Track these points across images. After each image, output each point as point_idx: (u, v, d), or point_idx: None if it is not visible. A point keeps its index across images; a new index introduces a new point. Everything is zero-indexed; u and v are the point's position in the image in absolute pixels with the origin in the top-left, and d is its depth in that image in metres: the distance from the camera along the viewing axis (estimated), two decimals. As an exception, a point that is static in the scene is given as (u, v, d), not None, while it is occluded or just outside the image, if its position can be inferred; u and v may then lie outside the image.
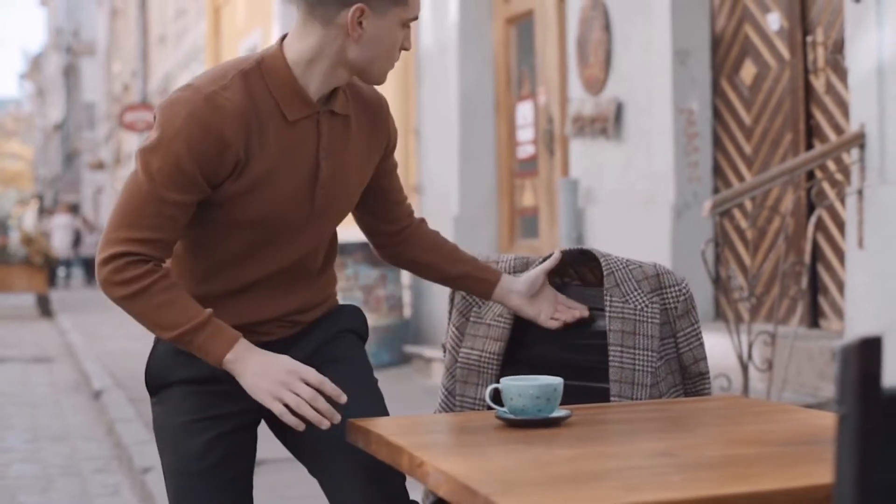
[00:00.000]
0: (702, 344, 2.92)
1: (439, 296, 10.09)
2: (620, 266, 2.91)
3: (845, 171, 6.13)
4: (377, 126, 2.81)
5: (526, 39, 9.93)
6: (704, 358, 2.93)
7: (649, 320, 2.86)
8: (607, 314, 2.87)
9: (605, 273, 2.90)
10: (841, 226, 6.32)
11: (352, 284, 10.10)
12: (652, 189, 7.55)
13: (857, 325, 5.83)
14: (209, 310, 2.57)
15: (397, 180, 2.94)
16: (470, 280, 2.92)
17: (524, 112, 9.83)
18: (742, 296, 6.21)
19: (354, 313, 2.90)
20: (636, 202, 7.72)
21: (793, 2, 6.84)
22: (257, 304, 2.71)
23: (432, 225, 9.05)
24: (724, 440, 2.25)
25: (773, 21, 7.01)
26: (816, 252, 6.56)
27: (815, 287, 6.65)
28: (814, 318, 6.68)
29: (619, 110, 7.86)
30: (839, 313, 6.40)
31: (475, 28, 10.26)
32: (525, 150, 9.81)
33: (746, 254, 7.09)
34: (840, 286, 6.38)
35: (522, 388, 2.28)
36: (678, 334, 2.90)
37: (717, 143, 7.49)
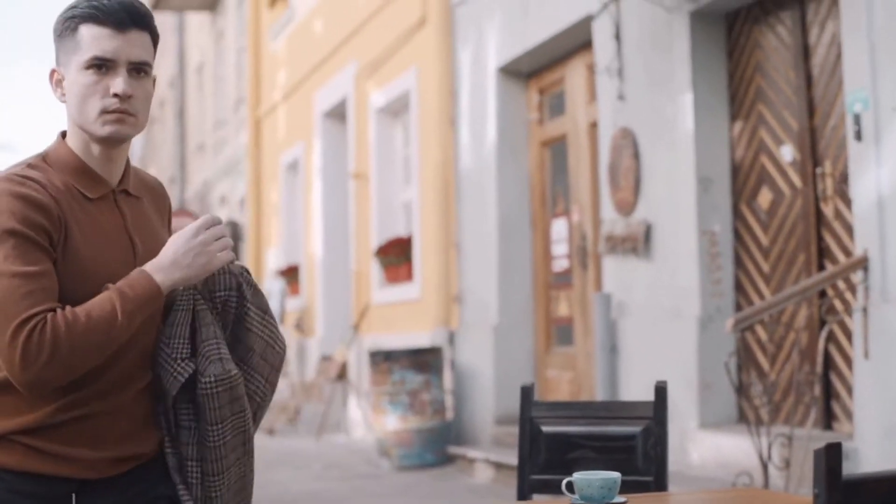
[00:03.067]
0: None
1: (480, 399, 10.76)
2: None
3: (853, 289, 6.83)
4: (162, 211, 2.88)
5: (560, 161, 10.64)
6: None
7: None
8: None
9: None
10: (851, 337, 6.99)
11: (398, 389, 10.76)
12: (679, 303, 8.22)
13: (864, 427, 6.49)
14: (106, 284, 2.55)
15: None
16: None
17: (559, 228, 10.53)
18: (762, 402, 6.91)
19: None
20: (664, 315, 8.38)
21: (803, 136, 7.60)
22: (104, 418, 2.61)
23: (473, 333, 10.05)
24: (744, 520, 2.97)
25: (787, 153, 7.75)
26: (829, 361, 7.25)
27: (829, 393, 7.33)
28: (827, 421, 7.34)
29: (648, 231, 8.55)
30: (850, 416, 7.05)
31: (512, 150, 10.98)
32: (560, 264, 10.49)
33: (766, 362, 7.80)
34: (851, 392, 7.04)
35: (591, 480, 3.01)
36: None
37: (738, 262, 8.20)
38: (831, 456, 2.06)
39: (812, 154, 7.54)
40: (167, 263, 2.59)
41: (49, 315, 2.44)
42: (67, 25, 2.62)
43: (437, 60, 11.99)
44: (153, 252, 2.66)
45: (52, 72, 2.67)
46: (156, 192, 2.87)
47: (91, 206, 2.63)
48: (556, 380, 10.43)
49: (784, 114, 7.79)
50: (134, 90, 2.62)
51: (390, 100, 13.51)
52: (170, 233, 2.86)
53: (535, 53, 10.43)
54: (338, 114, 15.81)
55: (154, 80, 2.73)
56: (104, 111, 2.60)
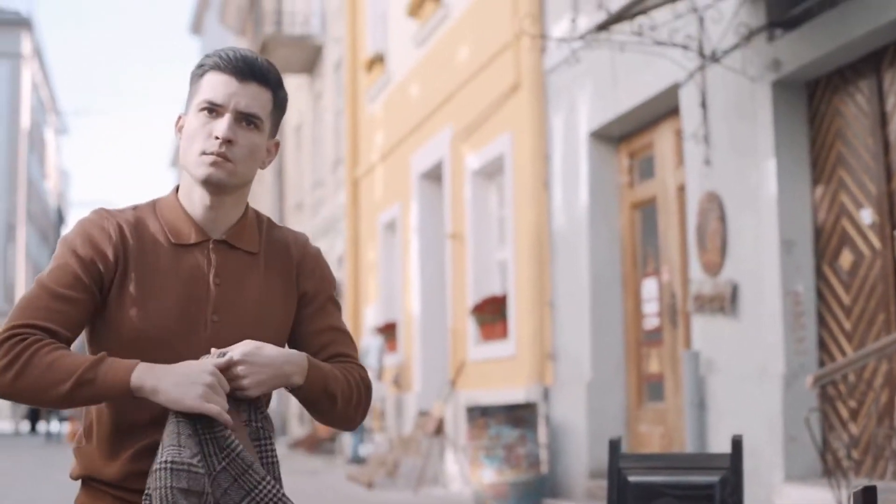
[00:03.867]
0: None
1: (574, 453, 11.08)
2: None
3: (931, 347, 7.12)
4: (286, 268, 2.80)
5: (650, 223, 10.98)
6: None
7: None
8: None
9: None
10: (930, 394, 7.28)
11: (494, 443, 11.12)
12: (764, 361, 8.50)
13: (943, 480, 6.77)
14: (103, 353, 2.53)
15: (319, 330, 2.82)
16: None
17: (649, 287, 10.86)
18: (844, 455, 7.20)
19: None
20: (751, 372, 8.65)
21: (882, 200, 7.91)
22: None
23: (567, 389, 10.37)
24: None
25: (866, 216, 8.06)
26: (909, 417, 7.53)
27: (909, 447, 7.60)
28: (908, 474, 7.61)
29: (734, 291, 8.86)
30: (930, 470, 7.32)
31: (604, 211, 11.34)
32: (650, 322, 10.81)
33: (848, 417, 8.07)
34: (931, 447, 7.31)
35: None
36: None
37: (821, 321, 8.48)
38: (867, 497, 2.45)
39: (890, 217, 7.84)
40: (163, 372, 2.50)
41: (38, 334, 2.52)
42: (196, 74, 2.71)
43: (531, 125, 12.41)
44: (235, 307, 2.68)
45: (178, 118, 2.74)
46: (287, 250, 2.82)
47: (174, 251, 2.68)
48: (648, 434, 10.73)
49: (863, 178, 8.09)
50: (236, 137, 2.64)
51: (485, 163, 13.94)
52: (303, 297, 2.80)
53: (624, 119, 10.82)
54: (434, 175, 16.28)
55: (276, 145, 2.77)
56: (203, 152, 2.63)
